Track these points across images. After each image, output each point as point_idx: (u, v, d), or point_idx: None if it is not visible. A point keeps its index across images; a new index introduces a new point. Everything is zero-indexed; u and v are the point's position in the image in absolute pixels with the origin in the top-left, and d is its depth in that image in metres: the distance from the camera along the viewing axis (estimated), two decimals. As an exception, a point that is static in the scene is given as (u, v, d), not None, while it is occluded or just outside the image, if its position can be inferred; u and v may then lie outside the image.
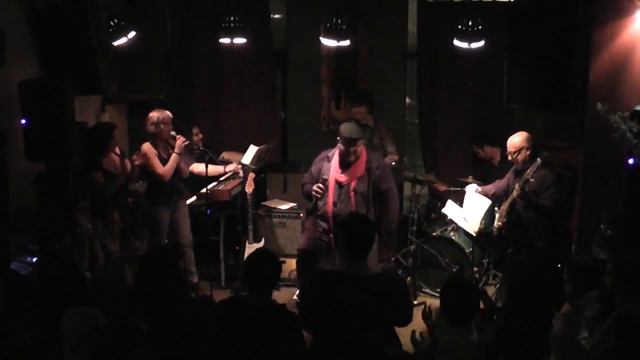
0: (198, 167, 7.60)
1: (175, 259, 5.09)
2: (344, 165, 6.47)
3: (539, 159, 6.42)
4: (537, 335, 4.51)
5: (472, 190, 7.20)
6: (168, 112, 7.15)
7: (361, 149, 6.48)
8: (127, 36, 7.15)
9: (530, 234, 6.62)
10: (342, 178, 6.46)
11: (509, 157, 6.71)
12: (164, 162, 7.03)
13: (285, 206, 8.06)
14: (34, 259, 5.85)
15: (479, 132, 8.25)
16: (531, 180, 6.44)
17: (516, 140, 6.60)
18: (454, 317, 4.28)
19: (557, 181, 6.54)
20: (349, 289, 4.18)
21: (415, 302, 7.15)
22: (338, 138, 6.49)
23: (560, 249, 6.62)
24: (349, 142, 6.38)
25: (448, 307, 4.29)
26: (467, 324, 4.28)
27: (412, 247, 7.58)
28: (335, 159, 6.54)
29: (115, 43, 7.15)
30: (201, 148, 7.77)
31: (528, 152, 6.54)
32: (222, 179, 7.77)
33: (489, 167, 7.96)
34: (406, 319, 4.71)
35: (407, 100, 9.26)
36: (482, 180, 7.66)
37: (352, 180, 6.45)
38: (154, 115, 7.07)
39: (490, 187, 7.17)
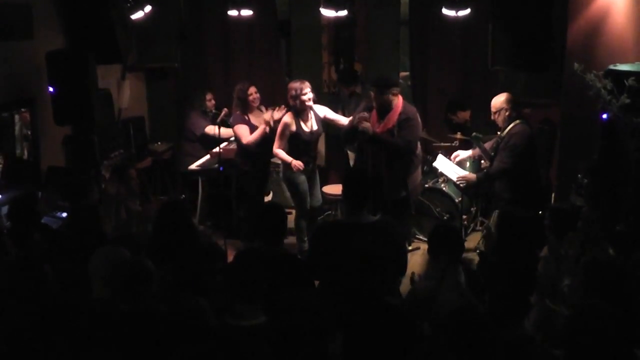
0: (213, 129, 7.52)
1: (187, 212, 5.06)
2: (380, 115, 6.27)
3: (518, 121, 6.34)
4: (523, 277, 4.48)
5: (442, 159, 7.11)
6: (307, 83, 6.74)
7: (394, 99, 6.27)
8: (143, 10, 7.07)
9: (499, 187, 6.55)
10: (377, 129, 6.24)
11: (492, 117, 6.60)
12: (301, 133, 6.71)
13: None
14: (64, 214, 5.82)
15: (448, 101, 8.16)
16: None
17: (496, 101, 6.46)
18: (442, 259, 4.23)
19: (525, 144, 6.30)
20: (349, 236, 4.15)
21: (410, 248, 7.13)
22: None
23: (538, 198, 6.50)
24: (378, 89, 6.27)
25: (435, 250, 4.25)
26: (454, 265, 4.23)
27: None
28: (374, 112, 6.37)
29: (133, 16, 7.08)
30: (214, 111, 7.73)
31: (507, 114, 6.39)
32: (232, 138, 7.72)
33: (465, 130, 7.86)
34: (400, 265, 4.65)
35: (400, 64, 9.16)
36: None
37: (384, 131, 6.23)
38: (294, 86, 6.67)
39: (475, 152, 7.03)
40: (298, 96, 6.57)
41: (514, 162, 6.28)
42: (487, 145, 6.95)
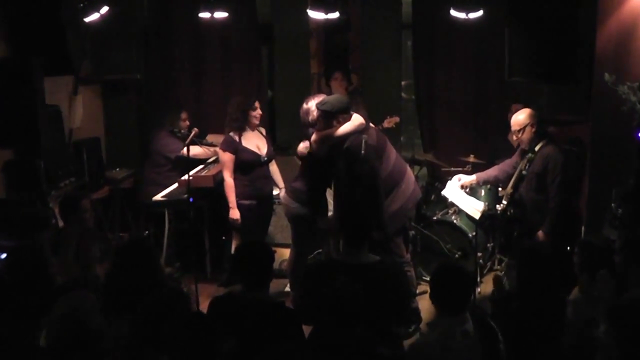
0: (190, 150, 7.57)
1: (153, 253, 5.04)
2: None
3: (545, 140, 6.49)
4: (550, 322, 4.49)
5: (453, 185, 7.15)
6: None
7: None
8: (99, 11, 7.03)
9: (533, 218, 6.61)
10: None
11: (514, 137, 6.69)
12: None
13: (274, 191, 8.01)
14: (3, 255, 5.78)
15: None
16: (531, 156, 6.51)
17: (520, 117, 6.56)
18: (447, 306, 4.24)
19: (563, 162, 6.50)
20: (343, 279, 4.17)
21: (417, 292, 7.13)
22: None
23: (566, 232, 6.59)
24: None
25: (439, 295, 4.26)
26: (461, 312, 4.24)
27: (412, 233, 7.56)
28: None
29: (87, 19, 7.02)
30: (182, 131, 7.74)
31: (533, 130, 6.51)
32: (209, 161, 7.77)
33: (504, 143, 7.89)
34: (404, 312, 4.68)
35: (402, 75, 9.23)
36: (490, 157, 7.63)
37: None
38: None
39: (493, 171, 7.11)
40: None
41: (566, 189, 6.47)
42: (500, 168, 7.02)
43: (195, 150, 7.29)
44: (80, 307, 3.84)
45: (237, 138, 7.00)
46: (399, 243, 6.55)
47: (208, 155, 7.78)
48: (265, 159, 7.17)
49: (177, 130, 7.83)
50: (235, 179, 6.99)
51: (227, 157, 6.99)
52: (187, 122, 7.93)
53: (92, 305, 3.92)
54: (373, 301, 4.19)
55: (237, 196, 6.99)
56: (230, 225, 7.05)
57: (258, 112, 7.12)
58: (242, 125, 7.04)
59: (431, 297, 4.26)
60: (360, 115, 6.44)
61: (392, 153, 6.53)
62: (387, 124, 7.84)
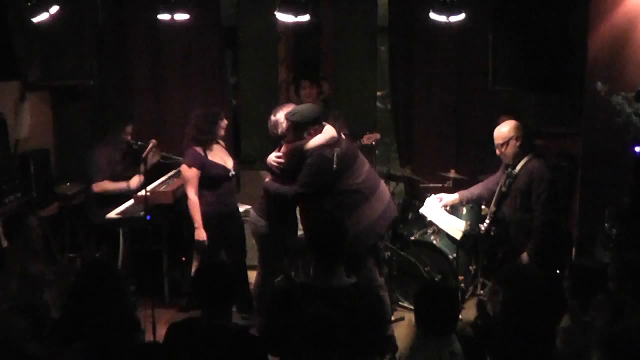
0: (102, 186, 7.61)
1: (117, 274, 4.94)
2: None
3: (531, 155, 6.43)
4: (538, 352, 4.45)
5: (432, 203, 7.10)
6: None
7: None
8: (48, 11, 6.95)
9: (518, 239, 6.56)
10: None
11: (497, 152, 6.62)
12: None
13: (240, 209, 7.92)
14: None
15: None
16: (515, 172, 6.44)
17: (504, 130, 6.51)
18: (433, 327, 4.20)
19: (550, 178, 6.42)
20: (315, 305, 4.11)
21: (392, 319, 7.07)
22: None
23: (555, 254, 6.55)
24: None
25: (424, 317, 4.23)
26: (448, 333, 4.21)
27: (387, 254, 7.49)
28: None
29: (36, 19, 6.94)
30: (139, 143, 7.60)
31: (518, 143, 6.45)
32: (167, 176, 7.69)
33: (488, 157, 7.85)
34: (379, 340, 4.63)
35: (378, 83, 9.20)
36: (473, 173, 7.61)
37: None
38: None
39: (476, 189, 7.07)
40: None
41: (553, 208, 6.36)
42: (484, 185, 6.98)
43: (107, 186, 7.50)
44: (8, 335, 3.74)
45: (202, 152, 6.86)
46: (369, 265, 6.45)
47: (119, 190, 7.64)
48: (233, 173, 7.05)
49: (133, 142, 7.66)
50: (200, 197, 6.84)
51: (192, 174, 6.81)
52: (130, 137, 7.75)
53: (23, 332, 3.81)
54: (347, 328, 4.13)
55: (203, 215, 6.84)
56: (195, 246, 6.89)
57: (224, 123, 7.00)
58: (212, 138, 6.91)
59: (416, 318, 4.26)
60: (337, 129, 6.34)
61: (364, 167, 6.44)
62: (366, 140, 7.79)
